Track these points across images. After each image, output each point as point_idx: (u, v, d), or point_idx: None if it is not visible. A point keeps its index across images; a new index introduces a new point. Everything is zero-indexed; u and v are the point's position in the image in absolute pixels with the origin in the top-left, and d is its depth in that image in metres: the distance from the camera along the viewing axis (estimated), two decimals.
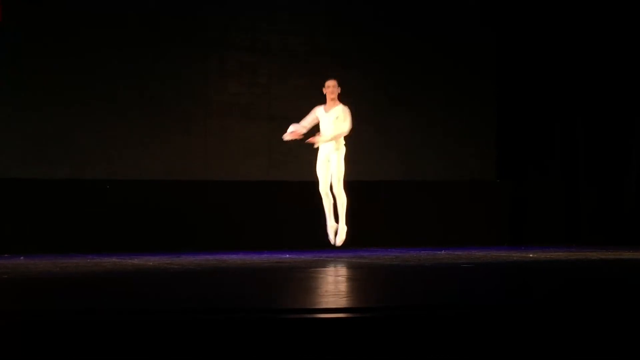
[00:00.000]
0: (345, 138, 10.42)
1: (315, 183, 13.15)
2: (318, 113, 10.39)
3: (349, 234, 12.48)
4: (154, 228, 12.33)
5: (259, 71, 13.15)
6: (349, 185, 13.22)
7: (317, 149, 10.35)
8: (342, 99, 13.42)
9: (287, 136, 10.42)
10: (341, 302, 5.20)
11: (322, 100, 13.26)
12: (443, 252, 11.18)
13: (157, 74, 12.66)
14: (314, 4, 13.36)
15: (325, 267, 8.80)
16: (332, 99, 10.34)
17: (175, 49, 12.75)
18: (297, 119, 13.18)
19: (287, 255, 10.62)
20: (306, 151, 13.24)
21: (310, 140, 10.35)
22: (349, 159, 13.28)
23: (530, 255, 10.23)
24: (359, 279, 7.41)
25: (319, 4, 13.37)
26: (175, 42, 12.75)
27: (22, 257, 10.48)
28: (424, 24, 13.65)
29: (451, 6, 13.76)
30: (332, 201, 10.32)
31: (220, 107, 12.94)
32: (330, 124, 10.32)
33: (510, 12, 13.70)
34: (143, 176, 12.53)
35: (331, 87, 10.34)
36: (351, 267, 8.92)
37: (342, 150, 10.34)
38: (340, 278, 7.44)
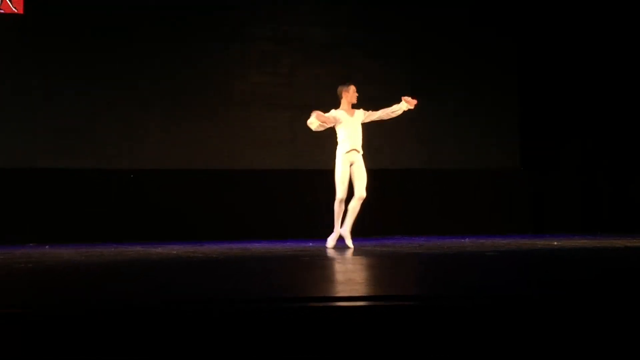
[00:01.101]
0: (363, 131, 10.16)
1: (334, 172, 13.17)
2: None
3: (372, 221, 12.47)
4: (177, 217, 12.39)
5: (280, 61, 13.15)
6: (373, 174, 13.25)
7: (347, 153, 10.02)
8: (365, 87, 13.42)
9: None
10: (362, 290, 5.20)
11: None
12: (466, 240, 11.16)
13: (179, 65, 12.70)
14: None
15: (349, 256, 8.79)
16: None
17: (197, 40, 12.78)
18: (319, 108, 13.17)
19: (310, 244, 10.63)
20: (329, 140, 13.25)
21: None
22: (374, 148, 13.28)
23: (555, 243, 10.19)
24: (382, 267, 7.40)
25: None
26: (197, 33, 12.77)
27: (47, 247, 10.55)
28: (446, 15, 13.60)
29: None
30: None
31: (242, 97, 12.96)
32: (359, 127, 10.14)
33: (532, 4, 13.61)
34: (166, 166, 12.58)
35: (356, 92, 10.11)
36: (374, 255, 8.91)
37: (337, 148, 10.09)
38: (363, 266, 7.44)
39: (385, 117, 10.26)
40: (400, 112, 10.25)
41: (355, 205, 9.96)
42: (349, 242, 9.89)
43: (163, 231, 12.12)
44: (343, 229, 9.93)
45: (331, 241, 9.92)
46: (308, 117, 13.10)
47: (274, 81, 13.16)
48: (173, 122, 12.71)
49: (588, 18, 13.35)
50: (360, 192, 9.95)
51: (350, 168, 10.05)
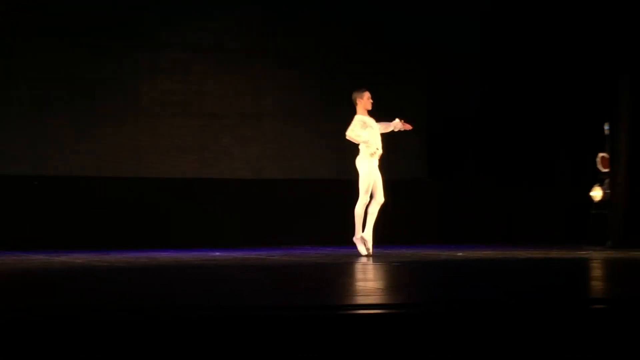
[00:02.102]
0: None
1: (247, 181, 13.18)
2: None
3: (281, 231, 12.52)
4: (83, 224, 12.20)
5: (191, 69, 13.08)
6: (279, 184, 13.27)
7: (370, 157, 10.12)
8: (276, 96, 13.47)
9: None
10: (268, 301, 5.21)
11: (261, 98, 13.30)
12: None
13: (88, 70, 12.53)
14: (248, 2, 13.31)
15: (252, 264, 8.80)
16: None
17: (107, 46, 12.62)
18: (229, 117, 13.18)
19: (217, 253, 10.58)
20: (239, 149, 13.24)
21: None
22: (285, 158, 13.29)
23: (459, 254, 10.34)
24: (291, 276, 7.41)
25: (253, 3, 13.32)
26: (108, 39, 12.61)
27: None
28: (357, 24, 13.68)
29: (386, 6, 13.79)
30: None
31: (152, 104, 12.84)
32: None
33: (443, 18, 13.80)
34: (73, 173, 12.39)
35: (371, 98, 10.23)
36: (281, 265, 8.92)
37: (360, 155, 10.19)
38: (267, 276, 7.44)
39: (381, 131, 10.35)
40: (389, 129, 10.39)
41: (375, 210, 10.06)
42: (370, 246, 9.93)
43: (69, 239, 11.91)
44: (366, 233, 9.99)
45: (362, 247, 9.93)
46: (218, 125, 13.10)
47: (185, 89, 13.07)
48: (82, 129, 12.51)
49: (489, 34, 13.57)
50: (381, 197, 10.09)
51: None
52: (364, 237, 9.96)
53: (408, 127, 10.42)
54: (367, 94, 10.25)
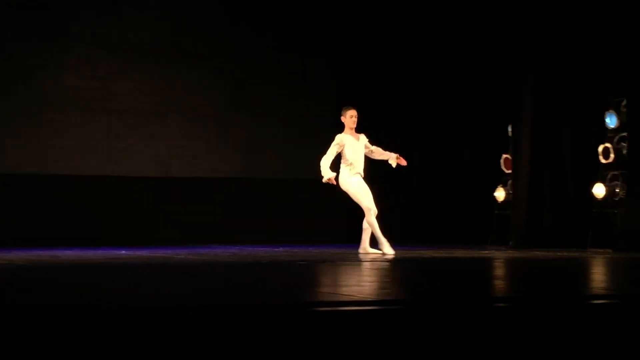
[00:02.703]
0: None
1: (154, 179, 13.08)
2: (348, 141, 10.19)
3: (188, 229, 12.43)
4: None
5: (98, 65, 12.91)
6: (186, 182, 13.18)
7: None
8: (184, 94, 13.39)
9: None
10: (184, 301, 5.19)
11: (169, 95, 13.19)
12: (281, 249, 11.25)
13: None
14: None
15: (159, 264, 8.73)
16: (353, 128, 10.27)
17: (12, 40, 12.37)
18: (137, 114, 13.04)
19: (123, 252, 10.46)
20: (146, 148, 13.12)
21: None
22: (192, 156, 13.22)
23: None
24: (202, 276, 7.39)
25: (162, 0, 13.22)
26: (13, 32, 12.36)
27: None
28: (270, 24, 13.70)
29: (301, 8, 13.83)
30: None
31: (58, 100, 12.63)
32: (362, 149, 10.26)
33: (358, 20, 13.94)
34: None
35: (355, 116, 10.23)
36: (201, 265, 8.86)
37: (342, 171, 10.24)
38: (179, 276, 7.41)
39: (372, 156, 10.37)
40: (384, 158, 10.41)
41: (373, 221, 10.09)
42: (374, 251, 10.11)
43: None
44: (362, 246, 10.17)
45: (389, 248, 10.02)
46: (124, 123, 12.96)
47: (91, 85, 12.89)
48: None
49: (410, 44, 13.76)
50: (374, 208, 10.09)
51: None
52: (362, 250, 10.15)
53: (403, 162, 10.45)
54: (349, 112, 10.28)
